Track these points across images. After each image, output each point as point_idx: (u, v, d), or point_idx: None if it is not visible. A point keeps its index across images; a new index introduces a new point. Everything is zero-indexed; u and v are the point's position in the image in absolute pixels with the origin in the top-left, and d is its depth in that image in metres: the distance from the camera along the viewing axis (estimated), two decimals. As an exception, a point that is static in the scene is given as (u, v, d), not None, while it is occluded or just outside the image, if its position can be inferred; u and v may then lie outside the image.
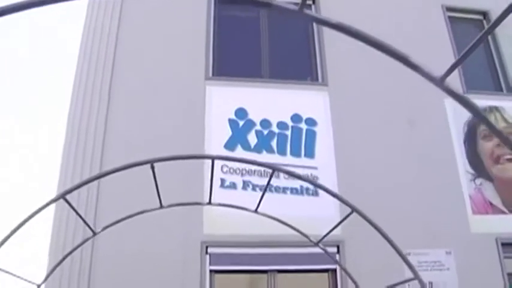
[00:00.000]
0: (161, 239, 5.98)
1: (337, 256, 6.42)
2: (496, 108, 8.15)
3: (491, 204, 7.33)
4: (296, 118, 7.00)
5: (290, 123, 6.95)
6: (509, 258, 7.06)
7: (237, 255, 6.11)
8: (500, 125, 8.00)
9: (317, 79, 7.62)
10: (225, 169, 6.46)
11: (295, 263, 6.26)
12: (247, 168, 6.51)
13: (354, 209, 4.36)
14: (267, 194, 6.51)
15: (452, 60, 8.52)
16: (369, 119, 7.43)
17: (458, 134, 7.73)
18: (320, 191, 6.64)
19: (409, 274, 6.40)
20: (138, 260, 5.83)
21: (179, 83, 6.96)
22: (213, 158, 4.01)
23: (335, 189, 6.51)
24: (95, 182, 5.93)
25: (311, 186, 6.64)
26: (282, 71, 7.46)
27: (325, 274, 6.46)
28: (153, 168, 3.40)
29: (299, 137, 6.92)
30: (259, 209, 4.54)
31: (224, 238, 6.12)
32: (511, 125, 8.04)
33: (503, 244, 7.04)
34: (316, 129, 7.04)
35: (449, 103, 7.88)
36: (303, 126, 7.00)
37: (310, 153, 6.86)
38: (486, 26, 9.04)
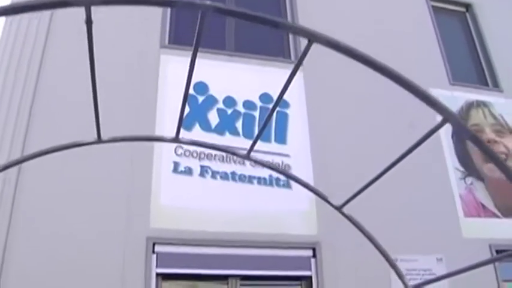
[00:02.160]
0: (95, 233, 4.73)
1: (313, 261, 5.32)
2: (484, 104, 7.33)
3: (483, 206, 6.43)
4: (265, 98, 5.93)
5: (258, 103, 5.87)
6: (504, 264, 6.14)
7: (192, 256, 4.93)
8: (489, 121, 7.18)
9: (289, 57, 6.58)
10: (179, 151, 5.29)
11: (262, 267, 5.12)
12: (206, 152, 5.36)
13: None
14: (230, 184, 5.41)
15: (437, 51, 7.72)
16: (348, 104, 6.43)
17: (446, 128, 6.81)
18: (293, 183, 5.55)
19: (396, 285, 5.38)
20: (63, 260, 4.56)
21: (129, 49, 5.78)
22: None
23: (310, 182, 5.43)
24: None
25: (282, 177, 5.54)
26: (250, 45, 6.40)
27: (297, 283, 5.33)
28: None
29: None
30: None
31: (176, 234, 4.93)
32: (499, 122, 7.22)
33: (497, 251, 6.11)
34: (288, 111, 5.98)
35: (435, 94, 6.97)
36: (274, 107, 5.91)
37: (281, 139, 5.78)
38: (469, 19, 8.32)
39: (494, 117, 7.28)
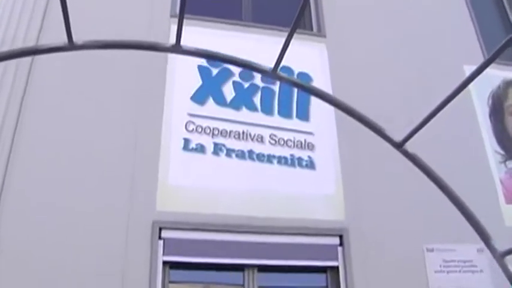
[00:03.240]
0: (96, 216, 4.21)
1: (340, 249, 4.75)
2: (522, 83, 6.70)
3: (525, 192, 5.81)
4: (286, 71, 5.34)
5: (278, 77, 5.30)
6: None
7: (203, 242, 4.38)
8: (526, 101, 6.56)
9: (311, 28, 6.02)
10: (190, 126, 4.75)
11: (283, 256, 4.57)
12: (220, 128, 4.82)
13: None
14: (247, 163, 4.86)
15: (471, 28, 7.12)
16: (377, 79, 5.85)
17: (483, 108, 6.23)
18: (317, 163, 5.00)
19: (431, 273, 4.79)
20: (60, 246, 4.04)
21: (138, 18, 5.26)
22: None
23: (337, 165, 4.92)
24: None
25: (305, 156, 4.98)
26: (268, 16, 5.85)
27: (322, 274, 4.76)
28: None
29: (290, 94, 5.29)
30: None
31: (185, 218, 4.39)
32: (538, 103, 6.60)
33: (544, 242, 5.49)
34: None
35: (470, 71, 6.37)
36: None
37: (303, 115, 5.22)
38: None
39: (533, 98, 6.66)
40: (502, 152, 5.96)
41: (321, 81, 5.47)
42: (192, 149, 4.64)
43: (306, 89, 1.48)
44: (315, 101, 5.33)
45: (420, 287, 4.80)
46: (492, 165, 5.83)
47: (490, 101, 6.30)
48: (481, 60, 6.36)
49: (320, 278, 4.73)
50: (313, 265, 4.63)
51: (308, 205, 4.77)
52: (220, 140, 4.76)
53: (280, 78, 1.94)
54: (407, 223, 5.05)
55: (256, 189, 4.68)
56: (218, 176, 4.62)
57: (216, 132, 4.79)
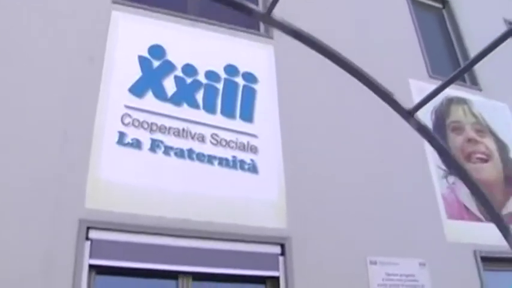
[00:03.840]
0: (18, 209, 3.73)
1: (282, 259, 4.46)
2: (464, 101, 6.74)
3: (466, 208, 5.76)
4: (231, 70, 5.10)
5: (223, 75, 5.03)
6: (489, 271, 5.48)
7: (134, 246, 3.98)
8: (469, 119, 6.58)
9: (259, 29, 5.78)
10: (127, 120, 4.37)
11: (220, 264, 4.22)
12: (158, 123, 4.46)
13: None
14: (185, 163, 4.51)
15: (416, 44, 7.09)
16: (326, 86, 5.67)
17: (426, 123, 6.13)
18: (260, 167, 4.72)
19: (374, 286, 4.59)
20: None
21: (76, 3, 4.84)
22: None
23: (280, 170, 4.66)
24: None
25: (248, 159, 4.69)
26: (216, 12, 5.54)
27: (261, 285, 4.45)
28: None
29: (234, 93, 5.01)
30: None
31: (116, 218, 3.97)
32: (478, 121, 6.63)
33: (482, 259, 5.44)
34: (256, 87, 5.16)
35: (414, 84, 6.35)
36: (240, 81, 5.10)
37: (247, 116, 4.95)
38: (446, 16, 7.79)
39: (475, 116, 6.69)
40: (443, 167, 5.89)
41: (267, 83, 5.24)
42: (127, 144, 4.25)
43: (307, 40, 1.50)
44: (259, 102, 5.08)
45: (362, 301, 4.58)
46: (434, 180, 5.74)
47: (433, 116, 6.26)
48: (425, 74, 6.34)
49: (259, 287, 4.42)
50: (252, 275, 4.31)
51: (249, 210, 4.47)
52: (158, 136, 4.40)
53: (272, 23, 1.73)
54: (352, 233, 4.84)
55: (194, 191, 4.34)
56: (154, 175, 4.25)
57: (154, 127, 4.42)
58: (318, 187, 4.91)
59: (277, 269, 4.40)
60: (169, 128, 4.48)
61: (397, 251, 5.00)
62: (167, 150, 4.38)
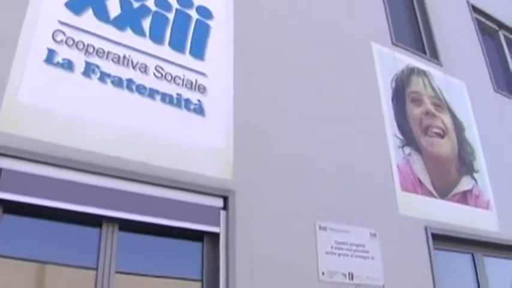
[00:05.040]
0: None
1: (223, 214, 3.93)
2: (424, 73, 6.40)
3: (420, 182, 5.41)
4: (184, 1, 4.48)
5: (175, 5, 4.41)
6: (440, 250, 5.17)
7: (53, 181, 3.32)
8: (428, 92, 6.25)
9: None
10: (59, 37, 3.67)
11: (153, 213, 3.63)
12: (96, 46, 3.80)
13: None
14: (123, 94, 3.87)
15: (381, 9, 6.64)
16: (285, 34, 5.16)
17: (386, 89, 5.77)
18: (208, 110, 4.16)
19: (322, 254, 4.14)
20: None
21: None
22: None
23: (229, 116, 4.12)
24: None
25: (194, 99, 4.11)
26: None
27: (199, 241, 3.90)
28: None
29: (186, 26, 4.39)
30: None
31: (33, 147, 3.29)
32: (437, 96, 6.32)
33: (433, 236, 5.12)
34: (211, 23, 4.57)
35: (377, 48, 5.94)
36: (194, 14, 4.49)
37: (198, 53, 4.35)
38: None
39: (434, 90, 6.37)
40: (401, 137, 5.52)
41: (223, 21, 4.66)
42: (57, 64, 3.56)
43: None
44: (213, 40, 4.50)
45: (309, 268, 4.12)
46: (391, 149, 5.36)
47: (394, 84, 5.88)
48: (388, 41, 5.93)
49: (195, 246, 3.87)
50: (189, 228, 3.74)
51: (190, 156, 3.90)
52: (94, 59, 3.74)
53: None
54: (302, 194, 4.37)
55: (131, 127, 3.72)
56: (85, 102, 3.59)
57: (90, 49, 3.75)
58: (270, 140, 4.40)
59: (218, 225, 3.87)
60: (108, 53, 3.83)
61: (348, 218, 4.58)
62: (103, 77, 3.73)
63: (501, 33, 8.78)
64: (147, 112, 3.84)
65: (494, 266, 5.82)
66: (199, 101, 4.12)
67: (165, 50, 4.14)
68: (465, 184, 5.90)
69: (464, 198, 5.76)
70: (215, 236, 3.84)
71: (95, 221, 3.47)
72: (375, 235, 4.65)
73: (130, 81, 3.83)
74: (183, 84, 4.09)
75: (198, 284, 3.74)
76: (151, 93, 3.90)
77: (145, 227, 3.62)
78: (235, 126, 4.22)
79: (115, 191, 3.52)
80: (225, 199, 3.94)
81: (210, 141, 4.04)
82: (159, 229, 3.67)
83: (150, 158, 3.70)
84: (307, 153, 4.59)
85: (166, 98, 3.95)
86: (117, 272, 3.41)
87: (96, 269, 3.34)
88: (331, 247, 4.29)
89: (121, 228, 3.57)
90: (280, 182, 4.27)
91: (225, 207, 3.93)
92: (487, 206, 5.99)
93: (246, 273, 3.75)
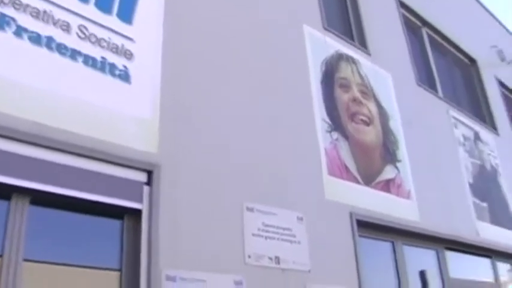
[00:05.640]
0: None
1: (146, 189, 3.64)
2: (353, 60, 6.36)
3: (346, 167, 5.36)
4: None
5: (102, -39, 4.04)
6: (364, 238, 5.14)
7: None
8: (356, 79, 6.22)
9: None
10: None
11: (68, 185, 3.28)
12: (8, -7, 3.39)
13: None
14: (41, 52, 3.47)
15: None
16: (218, 12, 4.91)
17: (316, 72, 5.67)
18: (133, 77, 3.85)
19: (248, 235, 3.96)
20: None
21: None
22: None
23: (156, 86, 3.85)
24: None
25: (120, 65, 3.79)
26: None
27: (119, 218, 3.59)
28: None
29: (113, -15, 4.04)
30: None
31: None
32: (364, 83, 6.31)
33: (358, 222, 5.08)
34: (141, -15, 4.24)
35: (309, 32, 5.82)
36: (122, -27, 4.14)
37: (126, 15, 4.02)
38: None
39: (361, 77, 6.35)
40: (329, 121, 5.44)
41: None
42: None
43: None
44: (143, 4, 4.18)
45: (234, 249, 3.92)
46: (319, 133, 5.25)
47: (324, 68, 5.78)
48: (320, 25, 5.83)
49: (114, 223, 3.56)
50: (108, 203, 3.42)
51: (113, 125, 3.58)
52: (10, 11, 3.32)
53: None
54: (230, 174, 4.16)
55: (49, 89, 3.35)
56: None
57: (6, 0, 3.34)
58: (198, 116, 4.15)
59: (140, 201, 3.57)
60: (27, 6, 3.41)
61: (275, 201, 4.41)
62: (19, 31, 3.32)
63: (424, 31, 8.97)
64: (68, 74, 3.48)
65: (414, 255, 5.90)
66: (125, 67, 3.79)
67: (90, 9, 3.77)
68: (388, 173, 5.92)
69: (387, 186, 5.78)
70: (137, 214, 3.55)
71: (4, 192, 3.08)
72: (301, 219, 4.52)
73: (50, 39, 3.45)
74: (108, 47, 3.75)
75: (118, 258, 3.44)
76: (73, 54, 3.54)
77: (60, 200, 3.27)
78: (163, 98, 3.93)
79: (29, 159, 3.14)
80: (149, 174, 3.66)
81: (135, 111, 3.74)
82: (75, 203, 3.34)
83: (69, 125, 3.35)
84: (236, 133, 4.39)
85: (89, 61, 3.60)
86: (25, 260, 3.03)
87: (1, 256, 2.95)
88: (258, 229, 4.11)
89: (33, 202, 3.20)
90: (207, 160, 4.04)
91: (148, 183, 3.65)
92: (408, 196, 6.05)
93: (170, 253, 3.50)
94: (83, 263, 3.33)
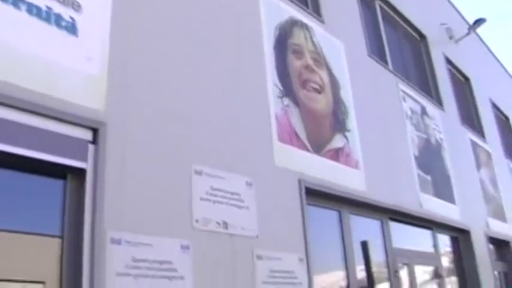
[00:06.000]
0: None
1: (91, 148, 3.49)
2: (306, 27, 6.28)
3: (296, 134, 5.32)
4: None
5: None
6: (312, 206, 5.15)
7: None
8: (309, 46, 6.15)
9: None
10: None
11: (7, 140, 3.09)
12: None
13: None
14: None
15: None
16: None
17: (269, 37, 5.56)
18: (81, 30, 3.64)
19: (196, 199, 3.88)
20: None
21: None
22: None
23: (105, 40, 3.68)
24: None
25: (66, 16, 3.58)
26: None
27: (61, 177, 3.43)
28: None
29: None
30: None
31: None
32: (317, 51, 6.26)
33: (307, 190, 5.07)
34: None
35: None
36: None
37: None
38: None
39: (314, 45, 6.29)
40: (280, 87, 5.37)
41: None
42: None
43: None
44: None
45: (182, 213, 3.83)
46: (270, 98, 5.18)
47: (277, 32, 5.68)
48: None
49: (57, 184, 3.39)
50: (50, 161, 3.25)
51: (57, 79, 3.39)
52: None
53: None
54: (179, 135, 4.04)
55: (-14, 36, 3.12)
56: None
57: None
58: (148, 75, 3.99)
59: (85, 160, 3.42)
60: None
61: (225, 165, 4.33)
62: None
63: (377, 3, 8.98)
64: (10, 23, 3.24)
65: (359, 224, 5.97)
66: (72, 18, 3.59)
67: (33, -47, 3.52)
68: (338, 141, 5.93)
69: (336, 155, 5.79)
70: (80, 174, 3.40)
71: None
72: (250, 184, 4.47)
73: (-13, -16, 3.20)
74: (54, -4, 3.53)
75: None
76: (16, 2, 3.30)
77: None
78: (111, 54, 3.75)
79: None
80: (95, 132, 3.50)
81: (82, 66, 3.55)
82: (12, 161, 3.15)
83: (8, 76, 3.14)
84: (186, 94, 4.26)
85: (33, 10, 3.38)
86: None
87: None
88: (206, 193, 4.03)
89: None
90: (156, 120, 3.90)
91: (94, 141, 3.49)
92: (356, 165, 6.09)
93: (115, 216, 3.37)
94: (21, 228, 3.15)
